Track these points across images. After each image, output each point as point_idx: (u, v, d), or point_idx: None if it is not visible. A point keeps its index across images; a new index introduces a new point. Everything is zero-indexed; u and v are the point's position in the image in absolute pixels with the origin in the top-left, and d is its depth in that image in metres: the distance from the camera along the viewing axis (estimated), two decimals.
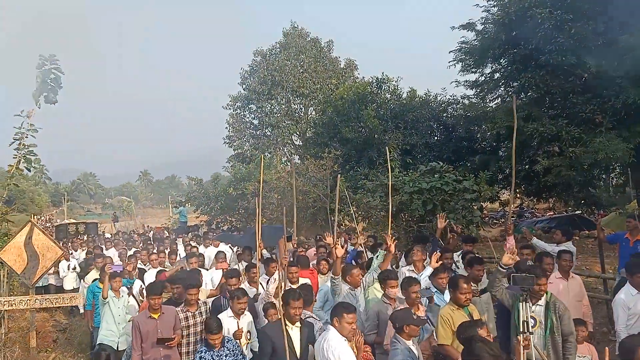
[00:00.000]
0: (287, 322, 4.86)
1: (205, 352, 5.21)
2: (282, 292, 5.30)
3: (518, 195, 20.30)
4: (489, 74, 19.17)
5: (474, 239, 9.08)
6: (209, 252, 11.26)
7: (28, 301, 7.34)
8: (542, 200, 20.80)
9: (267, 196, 16.98)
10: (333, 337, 4.52)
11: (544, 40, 15.23)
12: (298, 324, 5.09)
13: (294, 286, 6.47)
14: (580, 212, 19.37)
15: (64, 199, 56.10)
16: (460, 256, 8.00)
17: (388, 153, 9.23)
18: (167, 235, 17.26)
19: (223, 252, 9.18)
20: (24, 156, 15.12)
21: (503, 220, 24.16)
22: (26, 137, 15.01)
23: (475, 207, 12.91)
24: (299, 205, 16.00)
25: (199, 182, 23.45)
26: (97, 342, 7.18)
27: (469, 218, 12.30)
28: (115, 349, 7.03)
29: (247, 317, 5.94)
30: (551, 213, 23.88)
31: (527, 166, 16.95)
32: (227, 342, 5.33)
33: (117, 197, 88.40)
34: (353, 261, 8.49)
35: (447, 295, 5.73)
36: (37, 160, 15.95)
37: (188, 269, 8.03)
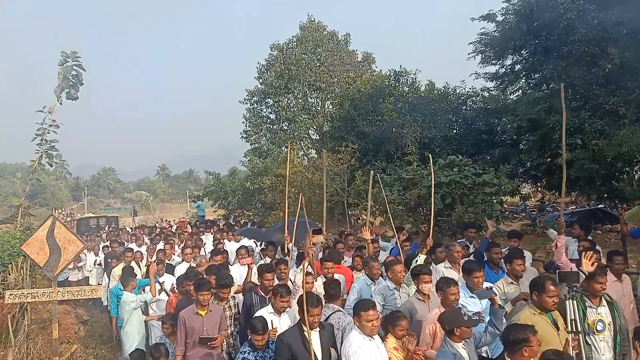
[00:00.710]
0: (306, 328, 4.61)
1: (249, 353, 4.95)
2: (301, 294, 5.11)
3: (539, 189, 20.02)
4: (509, 65, 18.92)
5: (519, 233, 8.65)
6: (233, 247, 10.95)
7: (50, 293, 7.41)
8: (565, 194, 20.47)
9: (284, 191, 16.99)
10: (354, 339, 4.49)
11: (567, 31, 14.95)
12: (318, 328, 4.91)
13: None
14: (602, 205, 19.03)
15: (84, 193, 56.92)
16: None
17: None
18: (191, 230, 16.80)
19: (245, 246, 8.93)
20: (46, 151, 15.40)
21: (524, 214, 23.85)
22: (48, 132, 15.32)
23: (495, 201, 12.75)
24: (315, 200, 16.01)
25: (217, 176, 23.58)
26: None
27: (489, 212, 12.15)
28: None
29: (289, 314, 5.64)
30: (573, 207, 23.47)
31: (548, 159, 16.67)
32: (272, 343, 5.03)
33: (136, 191, 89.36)
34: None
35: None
36: (59, 156, 16.22)
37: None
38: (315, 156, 23.18)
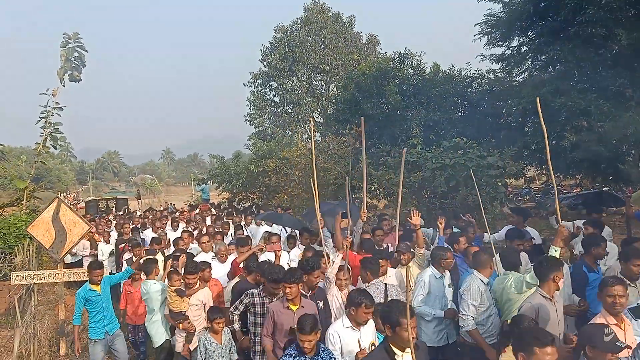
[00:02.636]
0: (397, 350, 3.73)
1: (294, 358, 4.33)
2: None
3: (544, 171, 19.94)
4: (515, 47, 18.71)
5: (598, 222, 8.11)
6: (255, 232, 10.77)
7: (57, 275, 7.50)
8: (569, 177, 20.40)
9: (288, 174, 16.99)
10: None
11: (573, 12, 14.73)
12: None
13: (381, 278, 5.85)
14: (607, 188, 18.95)
15: (89, 177, 57.13)
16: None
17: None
18: (215, 213, 15.93)
19: (277, 234, 8.34)
20: (50, 134, 15.42)
21: (528, 197, 23.82)
22: (52, 115, 15.33)
23: (500, 184, 12.71)
24: (319, 183, 16.01)
25: (221, 159, 23.58)
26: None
27: (493, 194, 12.13)
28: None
29: (369, 326, 4.73)
30: (578, 189, 23.40)
31: (554, 142, 16.57)
32: (322, 350, 4.44)
33: (141, 175, 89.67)
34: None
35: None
36: (63, 138, 16.24)
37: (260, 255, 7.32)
38: (320, 139, 23.14)
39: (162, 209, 22.71)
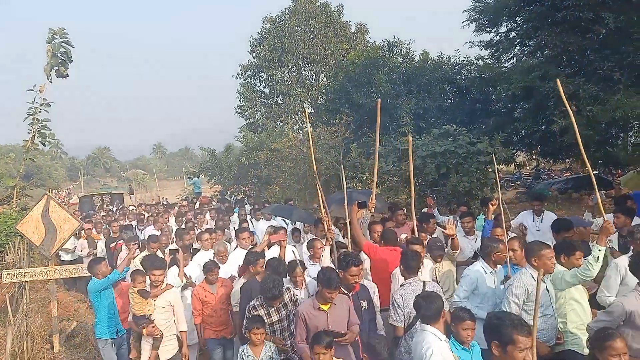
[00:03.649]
0: None
1: None
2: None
3: (534, 156, 20.04)
4: (504, 33, 18.75)
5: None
6: (262, 227, 10.05)
7: (48, 272, 7.46)
8: (559, 161, 20.54)
9: (280, 165, 16.97)
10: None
11: None
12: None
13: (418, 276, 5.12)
14: (597, 171, 19.10)
15: (80, 173, 56.71)
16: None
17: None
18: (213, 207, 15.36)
19: (284, 228, 7.97)
20: (38, 131, 15.29)
21: (519, 182, 23.94)
22: (39, 111, 15.18)
23: (490, 170, 12.78)
24: (311, 173, 16.01)
25: (212, 152, 23.53)
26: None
27: (483, 181, 12.20)
28: None
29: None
30: (568, 174, 23.56)
31: (543, 127, 16.65)
32: None
33: (132, 170, 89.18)
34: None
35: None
36: (52, 135, 16.11)
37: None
38: (311, 130, 23.09)
39: (154, 203, 22.57)
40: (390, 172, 13.30)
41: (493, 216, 6.80)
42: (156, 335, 5.48)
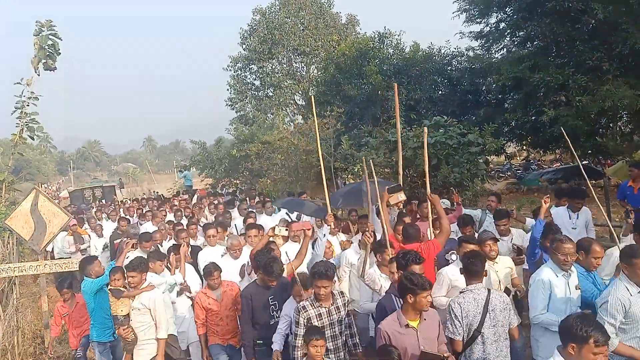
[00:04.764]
0: None
1: None
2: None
3: (524, 147, 20.14)
4: (494, 23, 18.77)
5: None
6: (267, 222, 9.18)
7: (37, 267, 7.43)
8: (549, 152, 20.66)
9: (271, 157, 16.95)
10: None
11: None
12: None
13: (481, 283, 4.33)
14: (586, 162, 19.23)
15: (70, 167, 56.25)
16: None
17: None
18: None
19: (296, 222, 7.49)
20: (26, 124, 15.12)
21: (509, 173, 24.07)
22: (27, 105, 15.02)
23: (481, 161, 12.81)
24: (302, 165, 16.00)
25: (203, 145, 23.43)
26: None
27: (474, 171, 12.23)
28: None
29: None
30: (557, 164, 23.72)
31: (533, 117, 16.73)
32: None
33: (123, 164, 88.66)
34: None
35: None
36: (40, 128, 15.94)
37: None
38: (302, 122, 23.05)
39: (145, 197, 22.46)
40: (382, 164, 13.29)
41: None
42: (127, 338, 5.19)
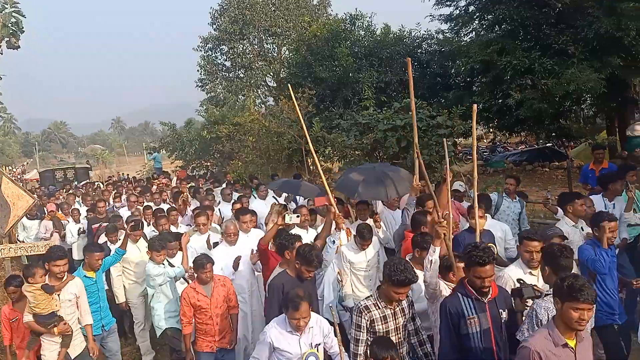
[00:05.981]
0: None
1: None
2: None
3: (491, 130, 20.51)
4: (463, 7, 18.92)
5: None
6: (259, 206, 8.66)
7: (2, 250, 7.31)
8: (515, 134, 21.09)
9: (242, 139, 16.86)
10: None
11: None
12: None
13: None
14: (551, 144, 19.74)
15: (35, 149, 54.76)
16: None
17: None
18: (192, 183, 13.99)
19: (305, 206, 7.22)
20: None
21: (477, 155, 24.54)
22: None
23: (449, 143, 13.03)
24: (274, 147, 15.98)
25: (172, 127, 23.13)
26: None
27: (442, 153, 12.43)
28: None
29: None
30: (522, 146, 24.28)
31: (500, 100, 17.03)
32: None
33: (91, 145, 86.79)
34: None
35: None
36: (4, 109, 15.59)
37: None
38: (273, 104, 22.95)
39: (114, 179, 22.10)
40: (352, 146, 13.39)
41: None
42: (67, 332, 4.97)
